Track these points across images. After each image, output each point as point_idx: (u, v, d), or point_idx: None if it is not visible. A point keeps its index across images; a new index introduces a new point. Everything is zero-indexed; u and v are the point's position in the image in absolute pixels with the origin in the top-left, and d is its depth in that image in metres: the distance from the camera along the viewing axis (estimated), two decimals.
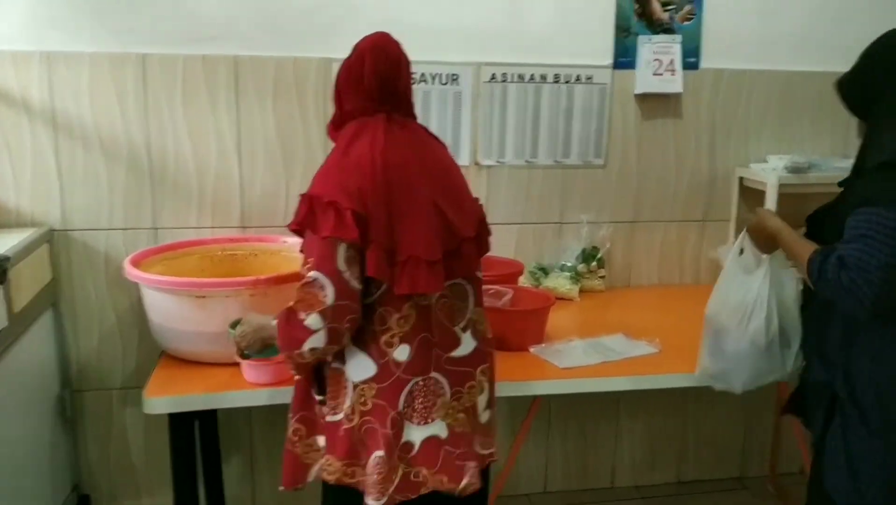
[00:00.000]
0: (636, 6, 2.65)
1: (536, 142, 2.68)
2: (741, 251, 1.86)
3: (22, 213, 2.38)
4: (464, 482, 1.62)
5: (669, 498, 2.91)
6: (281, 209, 2.50)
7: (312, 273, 1.52)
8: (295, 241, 2.07)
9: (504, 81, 2.61)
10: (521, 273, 2.56)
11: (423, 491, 1.61)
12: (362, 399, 1.59)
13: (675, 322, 2.38)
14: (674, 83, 2.70)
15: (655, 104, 2.73)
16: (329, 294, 1.50)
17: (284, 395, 1.80)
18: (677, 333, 2.24)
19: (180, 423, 1.95)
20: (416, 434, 1.62)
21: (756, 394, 1.98)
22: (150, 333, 2.18)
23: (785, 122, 2.83)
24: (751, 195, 2.76)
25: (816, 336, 1.71)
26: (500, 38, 2.58)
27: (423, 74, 2.53)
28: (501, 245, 2.61)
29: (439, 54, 2.53)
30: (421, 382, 1.61)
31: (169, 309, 2.03)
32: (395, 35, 1.67)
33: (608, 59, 2.67)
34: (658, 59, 2.68)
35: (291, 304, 1.55)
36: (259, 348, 1.78)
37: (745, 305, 1.82)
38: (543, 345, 2.18)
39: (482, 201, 1.78)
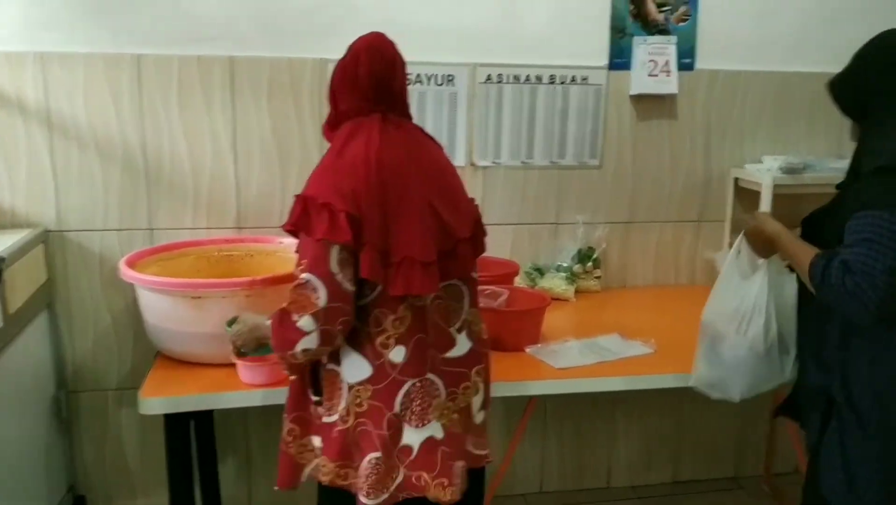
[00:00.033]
0: (631, 7, 2.65)
1: (532, 143, 2.68)
2: (738, 254, 1.83)
3: (17, 214, 2.37)
4: (450, 491, 1.61)
5: (665, 498, 2.91)
6: (277, 209, 2.50)
7: (305, 275, 1.52)
8: (291, 242, 2.07)
9: (500, 82, 2.62)
10: (516, 273, 2.56)
11: (428, 495, 1.61)
12: (357, 400, 1.59)
13: (671, 322, 2.38)
14: (669, 84, 2.71)
15: (651, 105, 2.73)
16: (322, 296, 1.51)
17: (280, 395, 1.79)
18: (673, 333, 2.25)
19: (176, 423, 1.95)
20: (414, 437, 1.62)
21: None
22: (145, 334, 2.18)
23: (780, 122, 2.84)
24: (746, 196, 2.77)
25: (813, 340, 1.70)
26: (495, 39, 2.58)
27: (418, 75, 2.53)
28: (497, 246, 2.61)
29: (435, 55, 2.53)
30: (418, 384, 1.60)
31: (164, 310, 2.03)
32: (391, 35, 1.67)
33: (603, 60, 2.67)
34: (653, 60, 2.68)
35: (285, 305, 1.55)
36: (254, 347, 1.79)
37: (743, 311, 1.79)
38: (539, 345, 2.18)
39: (478, 202, 1.77)
